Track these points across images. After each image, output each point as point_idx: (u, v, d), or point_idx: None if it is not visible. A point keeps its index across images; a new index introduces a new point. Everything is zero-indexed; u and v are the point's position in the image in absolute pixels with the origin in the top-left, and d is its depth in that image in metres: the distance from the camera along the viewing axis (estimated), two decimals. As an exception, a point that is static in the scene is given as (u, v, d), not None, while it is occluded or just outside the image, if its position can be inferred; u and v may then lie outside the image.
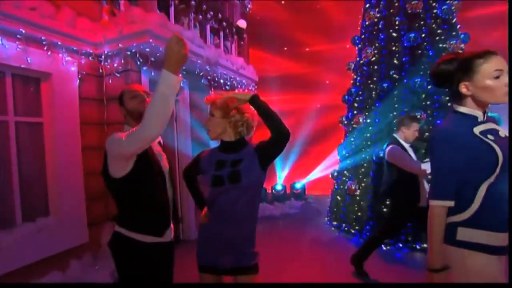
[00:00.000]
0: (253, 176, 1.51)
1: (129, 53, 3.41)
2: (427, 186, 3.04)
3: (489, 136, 1.22)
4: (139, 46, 3.37)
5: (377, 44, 4.72)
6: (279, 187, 7.15)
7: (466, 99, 1.27)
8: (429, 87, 4.24)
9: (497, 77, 1.19)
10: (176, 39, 1.25)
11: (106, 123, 3.57)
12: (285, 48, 9.17)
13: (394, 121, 4.34)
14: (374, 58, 4.72)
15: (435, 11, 4.48)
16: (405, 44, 4.38)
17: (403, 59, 4.40)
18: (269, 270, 1.75)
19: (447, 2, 4.48)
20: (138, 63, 3.48)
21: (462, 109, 1.29)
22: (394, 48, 4.54)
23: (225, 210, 1.53)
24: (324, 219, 5.48)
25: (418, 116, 4.11)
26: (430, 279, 1.23)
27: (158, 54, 3.52)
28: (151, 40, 3.30)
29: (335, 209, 5.07)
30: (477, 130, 1.23)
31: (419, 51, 4.35)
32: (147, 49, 3.42)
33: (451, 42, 4.31)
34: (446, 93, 4.22)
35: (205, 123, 1.60)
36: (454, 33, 4.45)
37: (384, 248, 4.00)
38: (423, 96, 4.26)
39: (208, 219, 1.62)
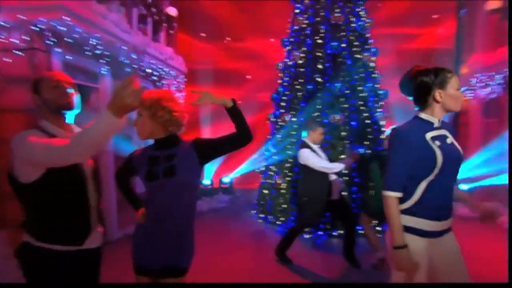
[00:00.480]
0: (189, 170, 1.50)
1: (35, 28, 2.92)
2: (337, 180, 3.46)
3: (436, 142, 1.43)
4: (49, 23, 2.91)
5: (304, 48, 5.06)
6: (207, 182, 7.11)
7: (432, 106, 1.49)
8: (347, 91, 4.75)
9: (459, 89, 1.47)
10: (131, 91, 1.14)
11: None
12: (217, 40, 9.07)
13: (316, 121, 4.75)
14: (301, 61, 5.05)
15: (353, 25, 5.01)
16: (328, 51, 4.81)
17: (326, 64, 4.82)
18: (198, 264, 1.74)
19: (362, 19, 5.08)
20: (48, 42, 3.00)
21: (423, 115, 1.51)
22: (318, 53, 4.94)
23: (163, 206, 1.49)
24: (251, 212, 5.66)
25: (338, 117, 4.57)
26: (393, 256, 1.44)
27: (75, 36, 3.10)
28: (64, 17, 2.88)
29: (262, 202, 5.29)
30: (428, 135, 1.45)
31: (340, 59, 4.83)
32: (61, 28, 2.98)
33: (365, 54, 4.90)
34: (360, 98, 4.80)
35: (134, 123, 1.53)
36: (367, 46, 5.06)
37: (306, 236, 4.37)
38: (342, 99, 4.75)
39: (144, 218, 1.56)
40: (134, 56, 3.98)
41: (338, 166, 3.29)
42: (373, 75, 5.07)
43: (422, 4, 7.95)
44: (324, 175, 3.32)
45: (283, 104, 5.19)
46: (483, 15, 6.11)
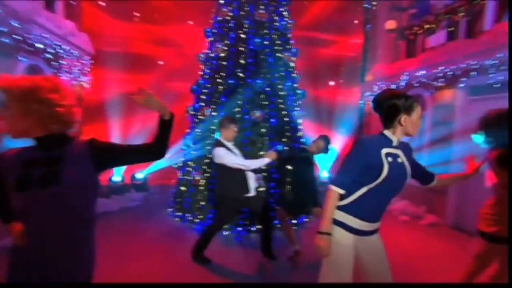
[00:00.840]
0: (78, 177, 1.21)
1: None
2: (254, 177, 3.45)
3: (388, 158, 1.63)
4: None
5: (227, 42, 4.93)
6: (117, 178, 6.40)
7: (395, 127, 1.68)
8: (267, 89, 4.81)
9: (419, 119, 1.68)
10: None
11: None
12: (129, 18, 8.20)
13: (237, 116, 4.69)
14: (223, 54, 4.91)
15: (276, 24, 5.10)
16: (251, 47, 4.78)
17: (248, 60, 4.79)
18: (108, 271, 1.47)
19: (285, 19, 5.22)
20: None
21: (386, 132, 1.70)
22: (241, 48, 4.88)
23: (42, 223, 1.16)
24: (167, 210, 5.31)
25: (258, 114, 4.59)
26: (317, 241, 1.64)
27: None
28: None
29: (178, 200, 4.99)
30: (384, 151, 1.64)
31: (262, 56, 4.85)
32: None
33: (286, 54, 5.04)
34: (280, 96, 4.91)
35: None
36: (288, 46, 5.22)
37: (225, 233, 4.28)
38: (263, 96, 4.79)
39: (22, 238, 1.20)
40: (15, 24, 3.22)
41: (255, 163, 3.27)
42: (292, 75, 5.25)
43: (342, 14, 8.67)
44: (240, 172, 3.28)
45: (203, 97, 4.97)
46: (383, 32, 6.96)
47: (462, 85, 4.81)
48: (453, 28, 4.91)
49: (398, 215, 5.54)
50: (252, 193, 3.38)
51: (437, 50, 5.10)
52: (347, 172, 1.64)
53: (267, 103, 4.80)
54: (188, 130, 5.16)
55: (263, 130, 4.72)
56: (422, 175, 1.93)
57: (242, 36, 4.91)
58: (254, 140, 4.65)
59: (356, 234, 1.68)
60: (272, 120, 4.80)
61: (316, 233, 1.65)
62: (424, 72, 5.21)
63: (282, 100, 4.90)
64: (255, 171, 3.42)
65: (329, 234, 1.63)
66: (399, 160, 1.67)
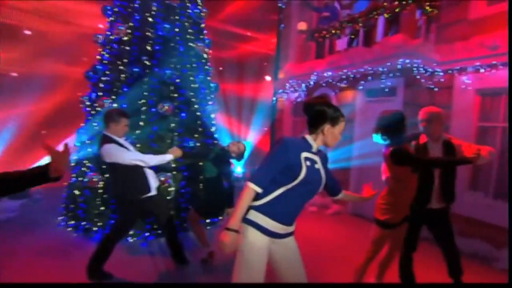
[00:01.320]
0: None
1: None
2: (153, 175, 3.07)
3: (307, 162, 1.67)
4: None
5: (131, 24, 4.35)
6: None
7: (317, 134, 1.74)
8: (177, 80, 4.43)
9: (340, 133, 1.74)
10: None
11: None
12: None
13: (142, 109, 4.21)
14: (126, 38, 4.32)
15: (188, 11, 4.74)
16: (160, 33, 4.32)
17: (156, 47, 4.32)
18: None
19: (198, 7, 4.89)
20: None
21: (308, 137, 1.75)
22: (148, 33, 4.37)
23: None
24: (57, 220, 4.44)
25: (166, 107, 4.17)
26: (222, 237, 1.57)
27: None
28: None
29: (72, 206, 4.23)
30: (304, 154, 1.68)
31: (172, 44, 4.44)
32: None
33: (199, 44, 4.73)
34: (192, 89, 4.59)
35: None
36: (201, 36, 4.92)
37: (130, 241, 3.80)
38: (172, 88, 4.39)
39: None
40: None
41: (155, 159, 2.90)
42: (205, 67, 4.98)
43: (260, 12, 8.70)
44: (137, 170, 2.87)
45: (101, 85, 4.30)
46: (295, 32, 7.25)
47: (361, 87, 5.31)
48: (353, 36, 5.37)
49: (308, 207, 5.88)
50: (153, 192, 3.00)
51: (342, 54, 5.52)
52: (267, 170, 1.64)
53: (176, 95, 4.42)
54: (82, 124, 4.41)
55: (173, 124, 4.34)
56: (332, 186, 1.96)
57: (150, 19, 4.40)
58: (162, 136, 4.24)
59: (270, 236, 1.68)
60: (182, 114, 4.46)
61: (224, 229, 1.59)
62: (330, 73, 5.58)
63: (193, 93, 4.59)
64: (165, 169, 3.06)
65: (236, 231, 1.59)
66: (316, 166, 1.72)
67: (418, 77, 4.46)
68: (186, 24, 4.71)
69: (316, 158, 1.75)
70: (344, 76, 5.34)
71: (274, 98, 8.22)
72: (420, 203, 2.54)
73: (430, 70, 4.61)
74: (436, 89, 4.72)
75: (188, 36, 4.61)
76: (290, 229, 1.75)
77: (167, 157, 2.97)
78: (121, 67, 4.29)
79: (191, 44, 4.64)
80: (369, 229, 2.61)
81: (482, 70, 4.18)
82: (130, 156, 2.79)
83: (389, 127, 2.39)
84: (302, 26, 6.69)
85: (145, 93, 4.21)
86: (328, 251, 3.90)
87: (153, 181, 3.03)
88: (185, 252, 3.31)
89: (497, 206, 4.19)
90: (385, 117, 2.43)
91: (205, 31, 5.08)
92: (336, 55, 5.59)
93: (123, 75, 4.27)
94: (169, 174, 4.07)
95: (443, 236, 2.61)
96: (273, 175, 1.64)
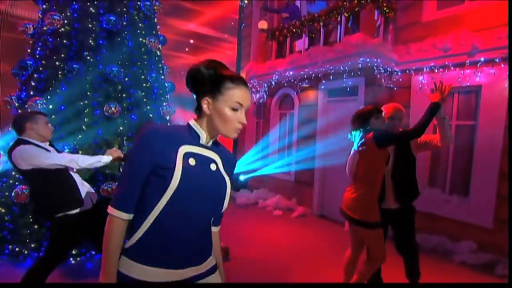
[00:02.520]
0: None
1: None
2: (84, 184, 2.60)
3: (189, 160, 1.07)
4: None
5: (68, 13, 3.83)
6: None
7: (202, 116, 1.13)
8: (126, 79, 3.99)
9: (235, 109, 1.08)
10: None
11: None
12: None
13: (85, 111, 3.72)
14: (63, 29, 3.78)
15: (139, 3, 4.31)
16: (104, 26, 3.85)
17: (100, 41, 3.85)
18: None
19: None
20: None
21: (193, 122, 1.14)
22: (90, 26, 3.87)
23: None
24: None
25: (114, 109, 3.73)
26: None
27: None
28: None
29: (-6, 226, 3.59)
30: (183, 149, 1.08)
31: (119, 39, 3.99)
32: None
33: (151, 40, 4.32)
34: (142, 88, 4.18)
35: None
36: (154, 32, 4.51)
37: (73, 262, 3.30)
38: (119, 87, 3.95)
39: None
40: None
41: (89, 161, 2.41)
42: (159, 65, 4.58)
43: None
44: (64, 178, 2.40)
45: (33, 83, 3.72)
46: (256, 31, 7.08)
47: (323, 87, 5.27)
48: (314, 35, 5.32)
49: (273, 210, 5.71)
50: (86, 206, 2.50)
51: (303, 53, 5.43)
52: (128, 182, 1.06)
53: (125, 95, 3.98)
54: (10, 129, 3.78)
55: (121, 128, 3.89)
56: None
57: (91, 10, 3.91)
58: (109, 141, 3.77)
59: None
60: (132, 116, 4.02)
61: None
62: (291, 72, 5.47)
63: (145, 93, 4.17)
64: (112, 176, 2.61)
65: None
66: (212, 167, 1.13)
67: (378, 76, 4.49)
68: (136, 17, 4.28)
69: (213, 155, 1.15)
70: (305, 76, 5.26)
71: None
72: (378, 201, 2.47)
73: (389, 69, 4.68)
74: (395, 89, 4.81)
75: (138, 31, 4.19)
76: (194, 270, 1.12)
77: (104, 159, 2.48)
78: (58, 63, 3.74)
79: (142, 39, 4.21)
80: (335, 230, 2.48)
81: (436, 71, 4.31)
82: (55, 157, 2.29)
83: (367, 116, 2.38)
84: (263, 25, 6.54)
85: (88, 93, 3.72)
86: (295, 255, 3.75)
87: (84, 189, 2.53)
88: None
89: (453, 201, 4.35)
90: (361, 109, 2.46)
91: (158, 27, 4.68)
92: (297, 54, 5.50)
93: (60, 72, 3.73)
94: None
95: (399, 237, 2.57)
96: (138, 187, 1.05)
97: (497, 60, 3.74)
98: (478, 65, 3.91)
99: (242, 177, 7.13)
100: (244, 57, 7.91)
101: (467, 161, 4.26)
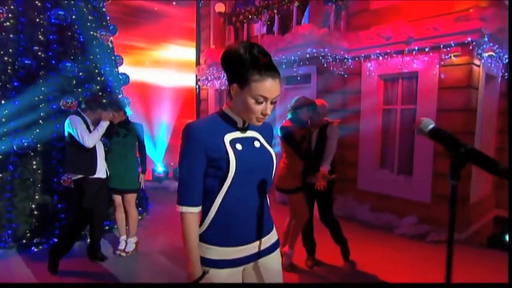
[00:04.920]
0: None
1: None
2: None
3: (237, 146, 1.33)
4: None
5: (12, 7, 4.40)
6: None
7: (233, 101, 1.32)
8: (80, 74, 4.66)
9: (259, 102, 1.25)
10: None
11: None
12: None
13: (41, 106, 4.36)
14: (8, 23, 4.38)
15: (86, -6, 4.93)
16: (53, 20, 4.48)
17: (50, 36, 4.48)
18: None
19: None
20: None
21: (226, 110, 1.37)
22: (38, 20, 4.48)
23: None
24: None
25: (70, 103, 4.40)
26: None
27: None
28: None
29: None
30: (228, 137, 1.33)
31: (69, 33, 4.63)
32: None
33: (102, 33, 4.98)
34: (97, 82, 4.86)
35: None
36: (104, 23, 5.16)
37: (35, 250, 4.04)
38: (74, 82, 4.62)
39: None
40: None
41: (93, 135, 3.49)
42: (112, 57, 5.26)
43: None
44: (90, 149, 3.56)
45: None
46: (215, 14, 7.80)
47: (278, 75, 6.15)
48: (269, 22, 6.16)
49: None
50: (100, 173, 3.62)
51: (258, 42, 6.28)
52: (188, 178, 1.32)
53: (81, 90, 4.67)
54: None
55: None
56: None
57: (37, 3, 4.50)
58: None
59: (232, 266, 1.36)
60: (89, 110, 4.73)
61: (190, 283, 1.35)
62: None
63: (100, 87, 4.88)
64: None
65: (202, 276, 1.33)
66: (256, 144, 1.40)
67: (325, 65, 5.42)
68: (85, 9, 4.90)
69: (252, 134, 1.41)
70: (261, 64, 6.09)
71: (197, 86, 8.75)
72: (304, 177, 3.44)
73: (340, 57, 5.63)
74: (346, 76, 5.78)
75: (88, 24, 4.84)
76: (259, 243, 1.41)
77: (104, 125, 3.54)
78: (7, 58, 4.34)
79: (93, 33, 4.87)
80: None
81: (380, 58, 5.31)
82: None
83: (294, 105, 3.36)
84: (220, 7, 7.25)
85: (43, 88, 4.37)
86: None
87: (103, 165, 3.66)
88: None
89: (400, 180, 5.43)
90: (297, 100, 3.42)
91: (108, 17, 5.33)
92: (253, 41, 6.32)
93: (10, 68, 4.34)
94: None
95: (320, 208, 3.53)
96: (200, 181, 1.33)
97: (426, 49, 4.78)
98: (413, 53, 4.93)
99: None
100: (204, 39, 8.60)
101: (411, 143, 5.33)
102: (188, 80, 8.77)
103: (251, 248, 1.39)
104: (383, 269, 3.68)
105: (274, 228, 1.53)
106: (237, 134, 1.36)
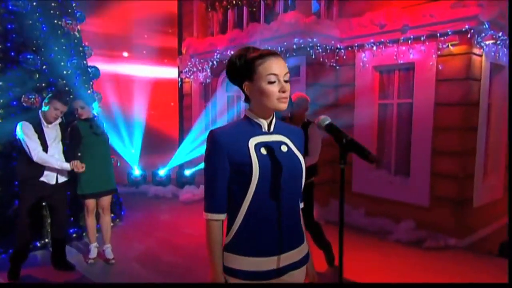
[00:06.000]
0: None
1: None
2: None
3: (261, 150, 1.44)
4: None
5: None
6: None
7: (252, 103, 1.48)
8: (43, 67, 4.82)
9: (272, 82, 1.39)
10: None
11: None
12: None
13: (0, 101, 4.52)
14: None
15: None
16: (11, 8, 4.63)
17: (8, 26, 4.62)
18: None
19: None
20: None
21: (249, 112, 1.51)
22: (-7, 8, 4.62)
23: None
24: None
25: (32, 99, 4.56)
26: None
27: None
28: None
29: None
30: (252, 141, 1.45)
31: (30, 22, 4.79)
32: None
33: (68, 22, 5.14)
34: (62, 76, 5.03)
35: None
36: (70, 10, 5.33)
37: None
38: (37, 76, 4.79)
39: None
40: None
41: (46, 159, 3.61)
42: (80, 48, 5.43)
43: None
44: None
45: None
46: (197, -1, 7.95)
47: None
48: (254, 9, 6.35)
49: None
50: (46, 179, 3.72)
51: (242, 31, 6.45)
52: (213, 185, 1.46)
53: (44, 85, 4.83)
54: None
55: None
56: None
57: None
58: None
59: (261, 279, 1.46)
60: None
61: None
62: (232, 52, 6.45)
63: (66, 81, 5.04)
64: None
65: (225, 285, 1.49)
66: (283, 149, 1.51)
67: (313, 56, 5.60)
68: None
69: (279, 138, 1.53)
70: (246, 55, 6.26)
71: (179, 79, 8.91)
72: None
73: (330, 47, 5.81)
74: (338, 67, 5.96)
75: (52, 12, 5.01)
76: (290, 256, 1.51)
77: (63, 166, 3.70)
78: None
79: (57, 21, 5.04)
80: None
81: (375, 48, 5.49)
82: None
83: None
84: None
85: (1, 83, 4.53)
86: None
87: (54, 171, 3.74)
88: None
89: (397, 182, 5.61)
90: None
91: (74, 3, 5.47)
92: (237, 31, 6.51)
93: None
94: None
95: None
96: (224, 187, 1.46)
97: (422, 38, 4.96)
98: (409, 42, 5.11)
99: (187, 172, 8.13)
100: (187, 26, 8.72)
101: (408, 141, 5.50)
102: (169, 72, 8.93)
103: (278, 261, 1.46)
104: (374, 277, 3.85)
105: (306, 241, 1.61)
106: (263, 138, 1.48)
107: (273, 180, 1.42)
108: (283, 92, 1.40)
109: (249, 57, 1.42)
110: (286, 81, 1.41)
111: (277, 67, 1.40)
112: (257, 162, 1.40)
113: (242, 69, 1.43)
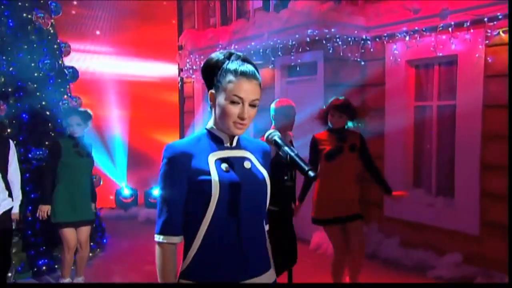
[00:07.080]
0: None
1: None
2: None
3: (222, 166, 1.48)
4: None
5: None
6: None
7: (214, 114, 1.51)
8: (10, 69, 4.80)
9: (234, 102, 1.42)
10: None
11: None
12: None
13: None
14: None
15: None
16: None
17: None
18: None
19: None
20: None
21: (210, 125, 1.56)
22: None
23: None
24: None
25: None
26: None
27: None
28: None
29: None
30: (212, 157, 1.49)
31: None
32: None
33: (39, 15, 5.10)
34: (33, 79, 4.99)
35: None
36: (42, 1, 5.28)
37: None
38: (2, 79, 4.77)
39: None
40: None
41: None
42: (54, 46, 5.39)
43: None
44: None
45: None
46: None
47: (272, 65, 6.14)
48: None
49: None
50: None
51: (248, 22, 6.28)
52: (168, 205, 1.48)
53: (11, 89, 4.81)
54: None
55: (9, 130, 4.71)
56: None
57: None
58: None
59: None
60: (23, 115, 4.85)
61: None
62: (237, 46, 6.30)
63: (37, 85, 4.99)
64: None
65: None
66: (246, 165, 1.56)
67: (331, 51, 5.35)
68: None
69: (242, 153, 1.58)
70: (252, 51, 6.10)
71: (179, 79, 8.81)
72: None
73: (354, 38, 5.55)
74: (363, 63, 5.69)
75: (20, 3, 4.98)
76: (261, 279, 1.56)
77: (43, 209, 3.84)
78: None
79: (26, 15, 5.01)
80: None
81: (408, 38, 5.19)
82: None
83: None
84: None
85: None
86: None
87: None
88: None
89: (439, 204, 5.24)
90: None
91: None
92: (243, 21, 6.35)
93: None
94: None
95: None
96: (181, 208, 1.49)
97: (466, 24, 4.63)
98: (450, 30, 4.79)
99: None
100: (188, 16, 8.65)
101: (451, 153, 5.14)
102: (168, 70, 8.83)
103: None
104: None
105: (272, 269, 1.65)
106: (224, 153, 1.53)
107: (234, 199, 1.46)
108: (241, 118, 1.44)
109: (225, 68, 1.45)
110: (252, 106, 1.45)
111: (245, 92, 1.43)
112: (217, 179, 1.44)
113: (214, 76, 1.47)
